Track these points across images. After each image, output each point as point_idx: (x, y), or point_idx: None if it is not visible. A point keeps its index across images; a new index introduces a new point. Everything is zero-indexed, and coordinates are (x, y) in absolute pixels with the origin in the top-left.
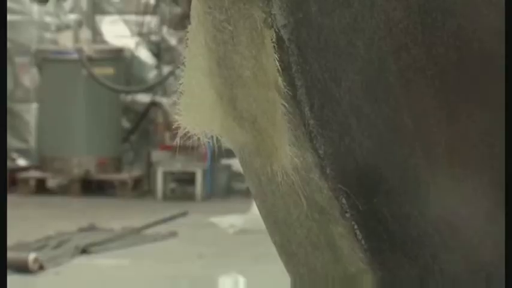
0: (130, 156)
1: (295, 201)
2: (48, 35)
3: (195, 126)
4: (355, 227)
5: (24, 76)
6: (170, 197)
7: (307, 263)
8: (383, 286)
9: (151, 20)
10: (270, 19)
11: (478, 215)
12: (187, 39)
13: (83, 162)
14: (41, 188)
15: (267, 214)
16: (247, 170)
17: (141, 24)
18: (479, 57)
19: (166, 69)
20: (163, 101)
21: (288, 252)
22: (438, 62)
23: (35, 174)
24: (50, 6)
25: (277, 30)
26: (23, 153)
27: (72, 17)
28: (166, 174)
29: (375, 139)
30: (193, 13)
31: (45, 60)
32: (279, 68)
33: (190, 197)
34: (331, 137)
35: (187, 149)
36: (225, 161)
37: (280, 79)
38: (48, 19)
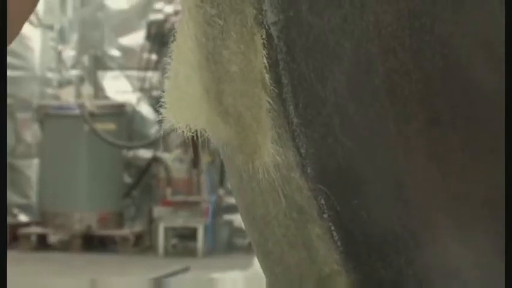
0: (132, 211)
1: (274, 199)
2: (49, 91)
3: (180, 120)
4: (332, 228)
5: (25, 132)
6: (171, 252)
7: (282, 262)
8: None
9: (153, 76)
10: (260, 15)
11: (457, 221)
12: (176, 32)
13: (85, 217)
14: (42, 243)
15: (246, 211)
16: (229, 166)
17: (142, 80)
18: (465, 65)
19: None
20: (165, 156)
21: (264, 250)
22: (424, 67)
23: (36, 230)
24: (52, 61)
25: (267, 27)
26: (24, 208)
27: (74, 73)
28: (167, 230)
29: (357, 141)
30: (183, 7)
31: (46, 116)
32: (267, 65)
33: (191, 253)
34: (313, 137)
35: (189, 204)
36: (226, 217)
37: (267, 76)
38: (50, 74)
